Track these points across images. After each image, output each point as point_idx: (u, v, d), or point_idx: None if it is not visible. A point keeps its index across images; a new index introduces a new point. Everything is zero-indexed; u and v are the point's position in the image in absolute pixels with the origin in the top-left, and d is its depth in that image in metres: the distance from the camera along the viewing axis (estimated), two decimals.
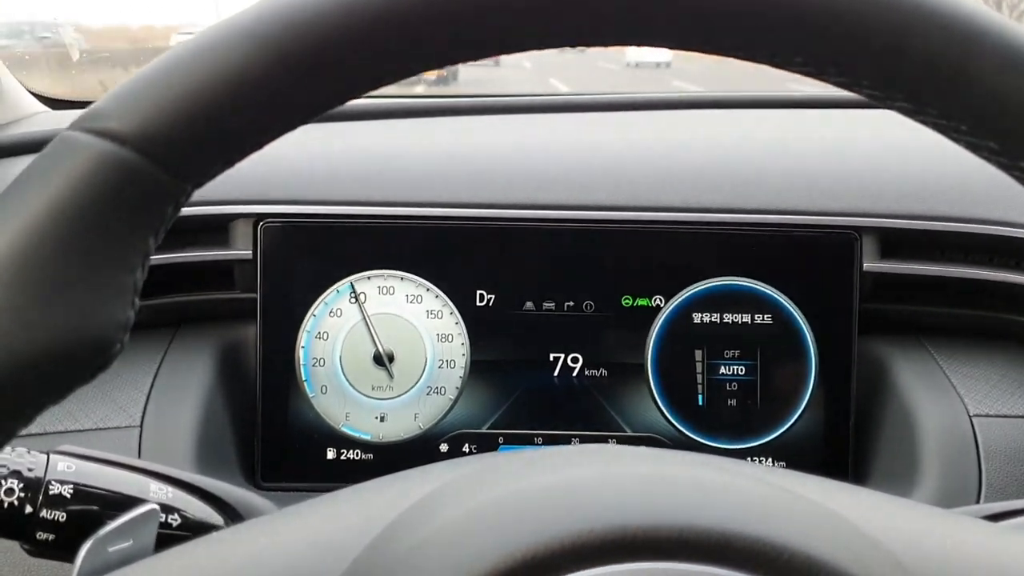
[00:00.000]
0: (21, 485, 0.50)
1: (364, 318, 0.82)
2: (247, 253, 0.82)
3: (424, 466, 0.39)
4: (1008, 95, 0.31)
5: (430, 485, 0.35)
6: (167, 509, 0.52)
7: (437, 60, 0.33)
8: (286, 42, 0.30)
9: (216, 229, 0.82)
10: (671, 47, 0.33)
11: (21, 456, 0.51)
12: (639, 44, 0.33)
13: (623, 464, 0.34)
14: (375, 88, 0.33)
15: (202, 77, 0.30)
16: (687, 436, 0.82)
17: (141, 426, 0.76)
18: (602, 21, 0.31)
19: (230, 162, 0.33)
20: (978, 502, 0.75)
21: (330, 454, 0.82)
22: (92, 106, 0.31)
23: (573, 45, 0.33)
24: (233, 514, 0.56)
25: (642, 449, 0.38)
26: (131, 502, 0.51)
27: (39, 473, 0.51)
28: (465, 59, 0.33)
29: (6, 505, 0.49)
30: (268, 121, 0.32)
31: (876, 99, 0.34)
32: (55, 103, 1.21)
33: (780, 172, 0.86)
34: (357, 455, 0.82)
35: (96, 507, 0.51)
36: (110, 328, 0.31)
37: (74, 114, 1.01)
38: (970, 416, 0.79)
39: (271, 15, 0.31)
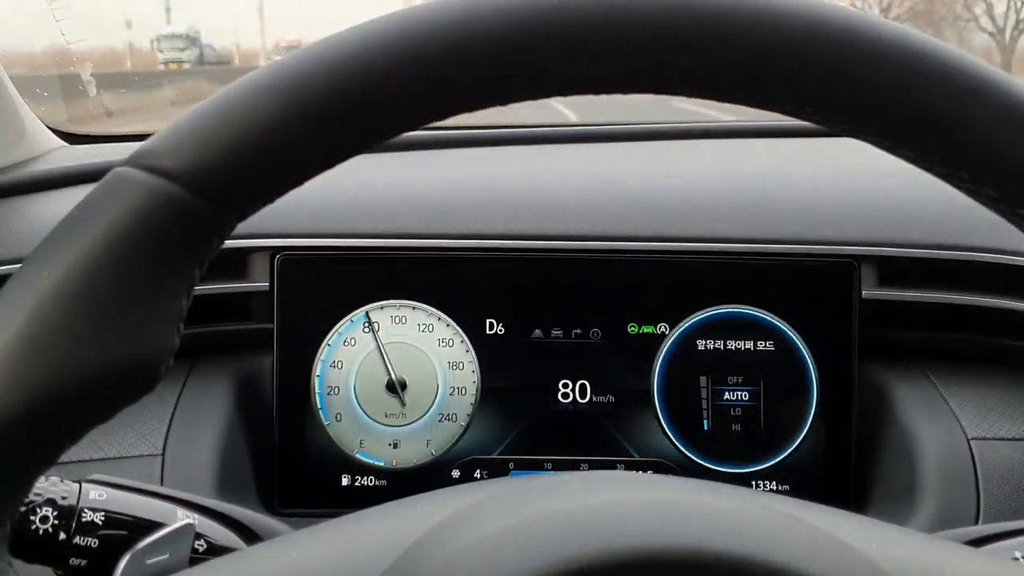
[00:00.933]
0: (55, 513, 0.52)
1: (379, 347, 0.84)
2: (264, 285, 0.84)
3: (445, 488, 0.41)
4: (1005, 147, 0.33)
5: (451, 507, 0.36)
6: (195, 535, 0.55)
7: (474, 103, 0.35)
8: (331, 85, 0.33)
9: (233, 262, 0.85)
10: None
11: (55, 485, 0.54)
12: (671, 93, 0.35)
13: (632, 490, 0.36)
14: (416, 128, 0.35)
15: (248, 118, 0.32)
16: (693, 461, 0.84)
17: (163, 454, 0.78)
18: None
19: (272, 198, 0.35)
20: (976, 523, 0.77)
21: (345, 480, 0.84)
22: (145, 144, 0.33)
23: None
24: (255, 540, 0.58)
25: (646, 476, 0.40)
26: (159, 528, 0.54)
27: (72, 501, 0.53)
28: (493, 104, 0.35)
29: (41, 532, 0.52)
30: (307, 160, 0.34)
31: (881, 147, 0.36)
32: (72, 137, 1.24)
33: (781, 201, 0.89)
34: (371, 481, 0.84)
35: (126, 532, 0.53)
36: (158, 352, 0.33)
37: (91, 149, 1.02)
38: (968, 439, 0.80)
39: (312, 61, 0.33)
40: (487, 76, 0.33)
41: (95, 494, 0.54)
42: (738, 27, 0.32)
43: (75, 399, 0.31)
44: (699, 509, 0.33)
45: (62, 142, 1.21)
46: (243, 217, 0.34)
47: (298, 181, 0.34)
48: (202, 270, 0.34)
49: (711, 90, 0.35)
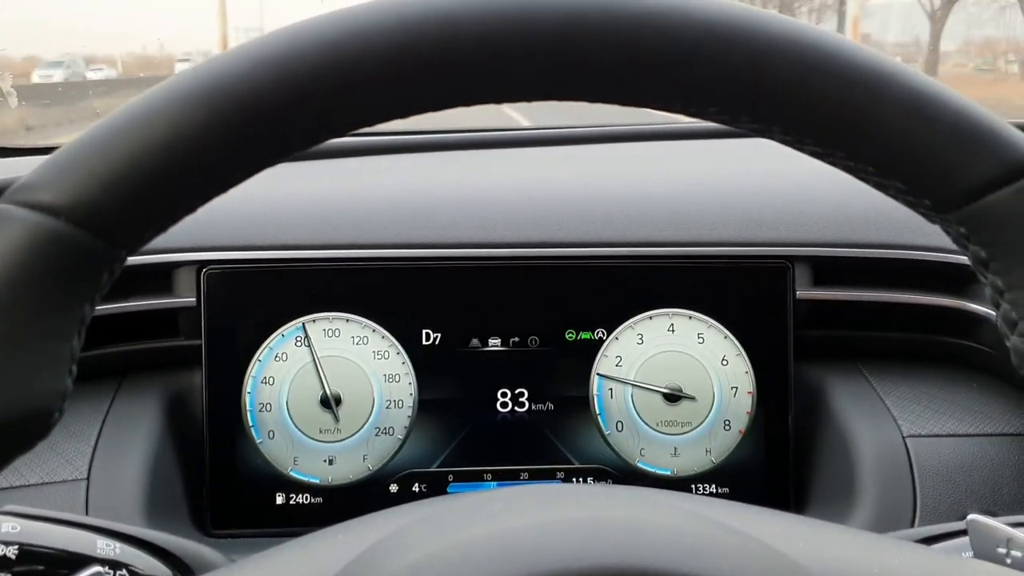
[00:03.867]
0: None
1: (314, 360, 0.82)
2: (191, 300, 0.82)
3: (370, 514, 0.39)
4: (909, 139, 0.33)
5: (375, 534, 0.35)
6: (115, 565, 0.52)
7: (366, 119, 0.34)
8: (214, 108, 0.31)
9: (158, 277, 0.82)
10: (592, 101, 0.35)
11: None
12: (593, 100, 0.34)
13: (555, 507, 0.36)
14: (306, 148, 0.34)
15: (132, 146, 0.31)
16: (633, 466, 0.84)
17: (88, 479, 0.76)
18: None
19: (164, 227, 0.33)
20: (913, 521, 0.77)
21: (280, 499, 0.82)
22: (22, 179, 0.31)
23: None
24: (183, 567, 0.56)
25: (571, 488, 0.39)
26: (78, 560, 0.51)
27: None
28: (399, 116, 0.34)
29: None
30: (199, 186, 0.33)
31: (788, 143, 0.36)
32: None
33: (714, 204, 0.89)
34: (307, 499, 0.82)
35: (42, 567, 0.51)
36: (47, 398, 0.31)
37: (5, 163, 0.98)
38: (904, 437, 0.81)
39: (196, 83, 0.32)
40: (387, 91, 0.32)
41: (8, 526, 0.51)
42: (634, 28, 0.32)
43: None
44: (625, 523, 0.33)
45: None
46: (134, 250, 0.33)
47: (190, 208, 0.33)
48: (93, 307, 0.32)
49: (612, 95, 0.34)
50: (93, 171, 0.31)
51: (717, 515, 0.36)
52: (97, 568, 0.49)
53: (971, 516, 0.46)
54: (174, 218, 0.33)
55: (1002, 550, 0.44)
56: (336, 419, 0.82)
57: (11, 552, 0.50)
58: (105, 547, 0.53)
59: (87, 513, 0.74)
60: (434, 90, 0.32)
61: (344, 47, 0.31)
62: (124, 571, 0.53)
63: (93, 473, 0.76)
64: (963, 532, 0.54)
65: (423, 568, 0.31)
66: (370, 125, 0.33)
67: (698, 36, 0.32)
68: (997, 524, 0.45)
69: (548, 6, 0.32)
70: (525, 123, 1.26)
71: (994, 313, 0.82)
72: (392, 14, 0.32)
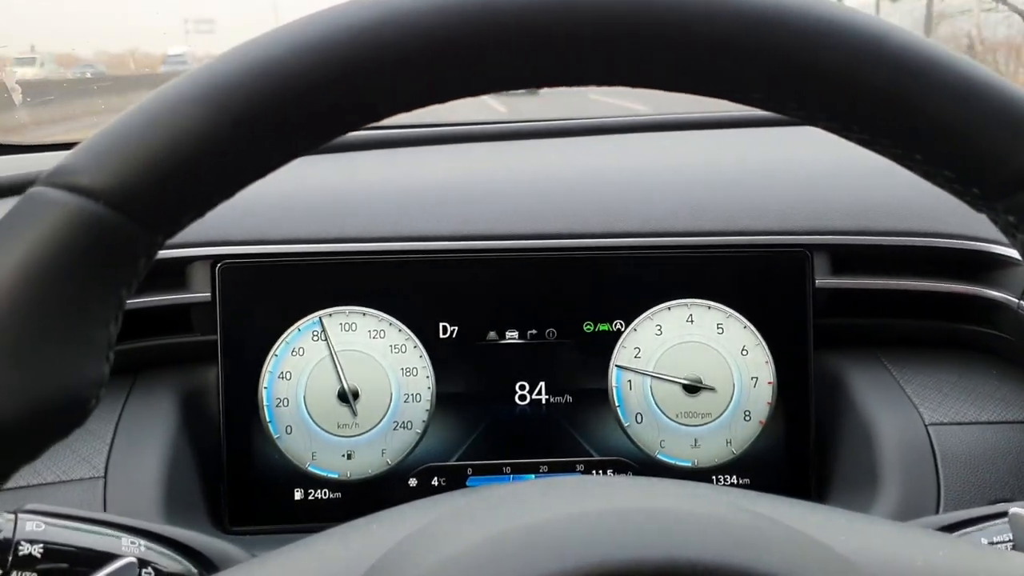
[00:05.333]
0: None
1: (331, 354, 0.82)
2: (206, 296, 0.81)
3: (400, 506, 0.39)
4: (959, 127, 0.33)
5: (407, 526, 0.35)
6: (141, 563, 0.52)
7: (413, 103, 0.33)
8: (252, 93, 0.31)
9: (172, 272, 0.82)
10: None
11: None
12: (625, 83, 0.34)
13: (593, 499, 0.35)
14: (345, 133, 0.34)
15: (171, 129, 0.30)
16: (653, 458, 0.83)
17: (106, 476, 0.75)
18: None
19: (200, 213, 0.33)
20: (937, 508, 0.77)
21: (298, 495, 0.82)
22: (61, 161, 0.31)
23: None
24: (206, 564, 0.56)
25: (602, 480, 0.39)
26: (103, 558, 0.51)
27: (7, 534, 0.50)
28: (437, 102, 0.34)
29: None
30: (236, 172, 0.32)
31: (834, 131, 0.35)
32: None
33: (732, 193, 0.88)
34: (325, 494, 0.82)
35: (67, 565, 0.50)
36: (85, 384, 0.31)
37: (15, 160, 0.98)
38: (926, 425, 0.81)
39: (237, 67, 0.31)
40: (430, 75, 0.32)
41: (32, 525, 0.51)
42: (683, 16, 0.31)
43: None
44: (669, 516, 0.32)
45: None
46: (171, 234, 0.32)
47: (228, 193, 0.32)
48: (130, 292, 0.32)
49: (659, 81, 0.34)
50: (132, 155, 0.30)
51: (758, 508, 0.35)
52: (131, 559, 0.49)
53: (1013, 509, 0.45)
54: (211, 204, 0.32)
55: None
56: (354, 413, 0.82)
57: (36, 551, 0.50)
58: (130, 545, 0.53)
59: (105, 511, 0.73)
60: (488, 75, 0.32)
61: (389, 26, 0.31)
62: (150, 568, 0.52)
63: (110, 471, 0.76)
64: (991, 517, 0.54)
65: (460, 561, 0.30)
66: (413, 109, 0.33)
67: (748, 23, 0.32)
68: None
69: None
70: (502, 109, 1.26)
71: (1015, 300, 0.81)
72: None
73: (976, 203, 0.35)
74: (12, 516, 0.51)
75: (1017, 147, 0.33)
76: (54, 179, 0.30)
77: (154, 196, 0.31)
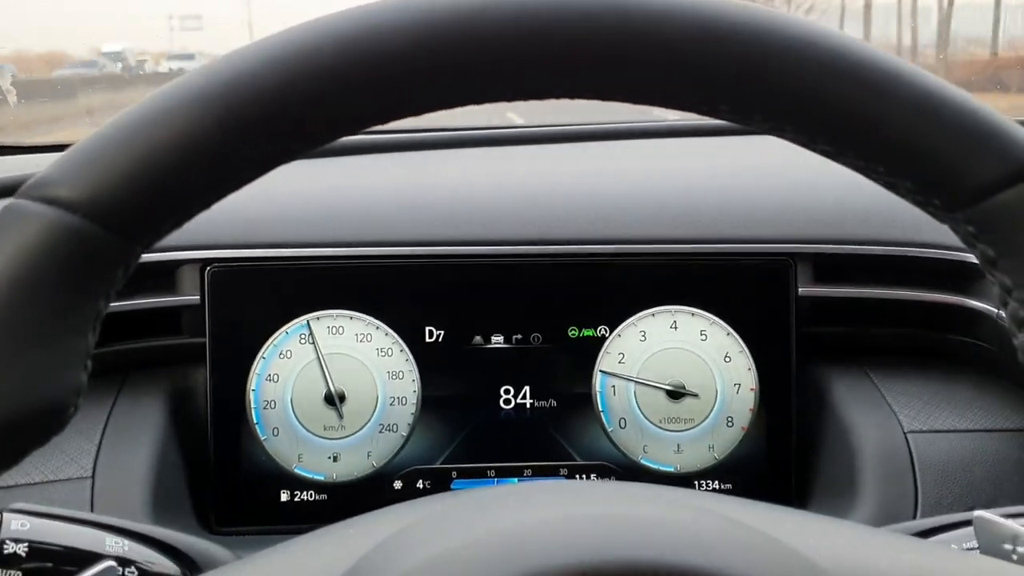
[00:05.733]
0: None
1: (319, 357, 0.82)
2: (195, 298, 0.82)
3: (381, 509, 0.40)
4: (919, 139, 0.34)
5: (386, 528, 0.36)
6: (124, 562, 0.52)
7: (379, 117, 0.34)
8: (230, 105, 0.31)
9: (162, 275, 0.83)
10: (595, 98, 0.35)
11: None
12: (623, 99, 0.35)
13: (567, 504, 0.36)
14: (322, 144, 0.34)
15: (148, 142, 0.31)
16: (636, 463, 0.84)
17: (93, 476, 0.76)
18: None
19: (179, 223, 0.33)
20: (915, 515, 0.78)
21: (284, 496, 0.82)
22: (39, 174, 0.32)
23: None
24: (190, 564, 0.56)
25: (578, 485, 0.40)
26: (87, 557, 0.51)
27: None
28: (413, 114, 0.34)
29: None
30: (215, 181, 0.33)
31: (799, 143, 0.36)
32: None
33: (716, 201, 0.89)
34: (311, 496, 0.82)
35: (51, 564, 0.51)
36: (64, 393, 0.31)
37: (6, 162, 0.98)
38: (905, 433, 0.82)
39: (213, 79, 0.32)
40: (402, 89, 0.32)
41: (17, 524, 0.52)
42: (651, 28, 0.32)
43: None
44: (640, 519, 0.33)
45: None
46: (149, 245, 0.33)
47: (206, 203, 0.33)
48: (108, 302, 0.33)
49: (625, 93, 0.34)
50: (110, 167, 0.31)
51: (727, 511, 0.36)
52: (110, 563, 0.50)
53: (977, 513, 0.46)
54: (189, 214, 0.33)
55: (1008, 546, 0.44)
56: (340, 416, 0.83)
57: (21, 549, 0.51)
58: (114, 544, 0.53)
59: (92, 510, 0.74)
60: (479, 86, 0.33)
61: (360, 43, 0.31)
62: (133, 568, 0.53)
63: (98, 471, 0.76)
64: (963, 524, 0.55)
65: (439, 564, 0.31)
66: (385, 123, 0.33)
67: (712, 37, 0.32)
68: (1003, 521, 0.45)
69: (566, 6, 0.32)
70: (521, 121, 1.26)
71: (994, 310, 0.82)
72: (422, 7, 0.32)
73: (938, 214, 0.36)
74: None
75: (975, 160, 0.34)
76: (33, 192, 0.31)
77: (132, 208, 0.31)
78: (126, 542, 0.54)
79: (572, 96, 0.35)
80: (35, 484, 0.75)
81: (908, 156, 0.34)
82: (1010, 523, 0.45)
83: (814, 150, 0.36)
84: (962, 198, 0.34)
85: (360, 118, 0.33)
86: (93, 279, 0.32)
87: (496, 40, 0.32)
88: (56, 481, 0.75)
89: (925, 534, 0.56)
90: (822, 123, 0.34)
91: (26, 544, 0.51)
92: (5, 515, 0.52)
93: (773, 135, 0.36)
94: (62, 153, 0.32)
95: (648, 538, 0.32)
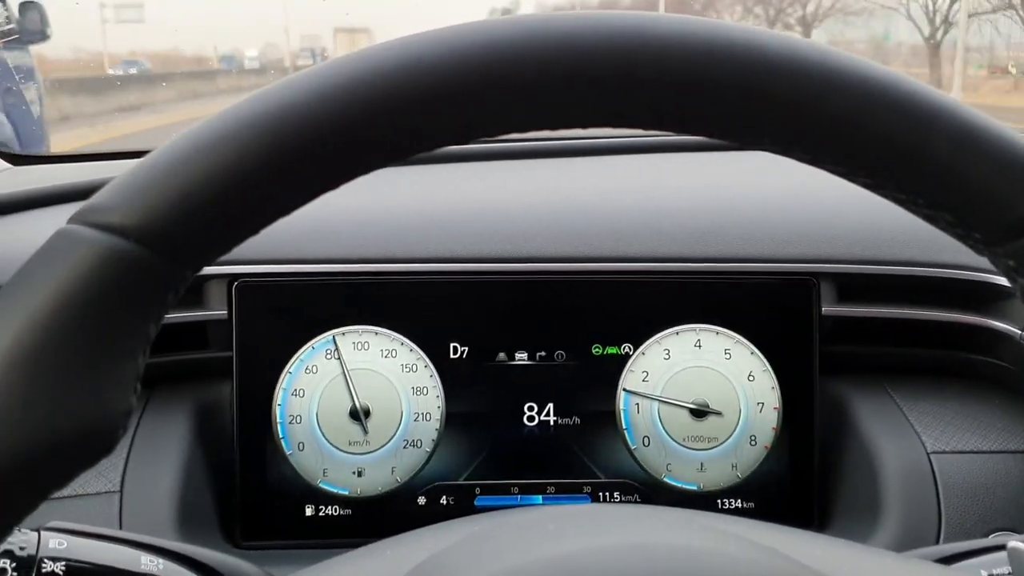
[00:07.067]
0: (13, 564, 0.50)
1: (344, 373, 0.83)
2: (222, 313, 0.83)
3: (416, 530, 0.40)
4: (961, 173, 0.34)
5: (423, 551, 0.36)
6: None
7: (431, 143, 0.34)
8: (282, 133, 0.32)
9: (189, 290, 0.83)
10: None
11: (12, 534, 0.52)
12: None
13: (597, 532, 0.36)
14: (368, 172, 0.35)
15: (199, 169, 0.31)
16: (659, 481, 0.84)
17: (121, 491, 0.76)
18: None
19: (229, 247, 0.34)
20: (938, 536, 0.78)
21: (309, 510, 0.83)
22: (92, 199, 0.32)
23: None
24: None
25: (609, 509, 0.40)
26: None
27: (31, 551, 0.51)
28: (464, 141, 0.35)
29: None
30: (265, 208, 0.33)
31: (839, 174, 0.36)
32: (15, 159, 1.21)
33: (741, 220, 0.89)
34: (336, 511, 0.83)
35: None
36: (114, 416, 0.32)
37: (37, 171, 0.99)
38: (928, 454, 0.82)
39: (265, 108, 0.32)
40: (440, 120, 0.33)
41: (55, 543, 0.52)
42: (691, 60, 0.33)
43: (26, 471, 0.30)
44: (670, 549, 0.33)
45: (6, 164, 1.18)
46: (198, 269, 0.33)
47: (256, 229, 0.33)
48: (158, 325, 0.33)
49: (665, 123, 0.35)
50: (162, 194, 0.31)
51: (760, 538, 0.37)
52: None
53: (1012, 543, 0.46)
54: (239, 239, 0.34)
55: None
56: (365, 431, 0.83)
57: (59, 568, 0.51)
58: (149, 563, 0.54)
59: (121, 525, 0.74)
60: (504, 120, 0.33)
61: (411, 72, 0.32)
62: None
63: (126, 485, 0.77)
64: (993, 549, 0.55)
65: None
66: (435, 148, 0.34)
67: (758, 71, 0.33)
68: None
69: (613, 35, 0.32)
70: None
71: (1017, 331, 0.82)
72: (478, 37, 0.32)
73: (977, 247, 0.36)
74: (35, 533, 0.52)
75: (1017, 195, 0.34)
76: (85, 217, 0.32)
77: (183, 234, 0.32)
78: (161, 561, 0.54)
79: (626, 127, 0.35)
80: (64, 498, 0.75)
81: (949, 189, 0.34)
82: None
83: (855, 182, 0.36)
84: (1003, 232, 0.35)
85: (405, 148, 0.34)
86: (144, 303, 0.32)
87: (517, 72, 0.32)
88: (85, 495, 0.76)
89: (950, 560, 0.56)
90: (863, 156, 0.34)
91: (64, 563, 0.51)
92: (42, 533, 0.52)
93: (813, 166, 0.36)
94: (114, 179, 0.33)
95: (685, 568, 0.32)
